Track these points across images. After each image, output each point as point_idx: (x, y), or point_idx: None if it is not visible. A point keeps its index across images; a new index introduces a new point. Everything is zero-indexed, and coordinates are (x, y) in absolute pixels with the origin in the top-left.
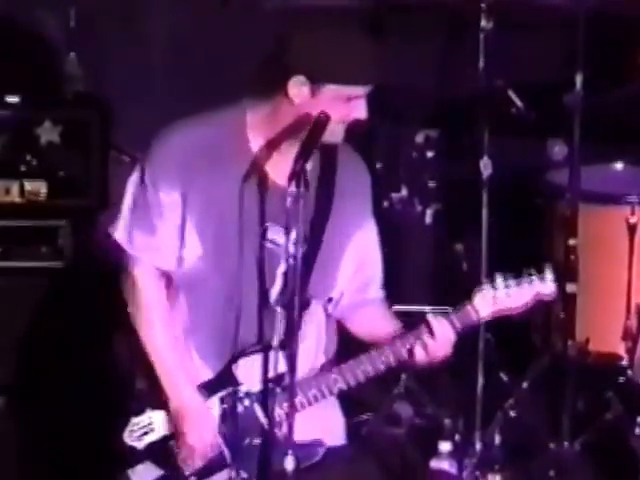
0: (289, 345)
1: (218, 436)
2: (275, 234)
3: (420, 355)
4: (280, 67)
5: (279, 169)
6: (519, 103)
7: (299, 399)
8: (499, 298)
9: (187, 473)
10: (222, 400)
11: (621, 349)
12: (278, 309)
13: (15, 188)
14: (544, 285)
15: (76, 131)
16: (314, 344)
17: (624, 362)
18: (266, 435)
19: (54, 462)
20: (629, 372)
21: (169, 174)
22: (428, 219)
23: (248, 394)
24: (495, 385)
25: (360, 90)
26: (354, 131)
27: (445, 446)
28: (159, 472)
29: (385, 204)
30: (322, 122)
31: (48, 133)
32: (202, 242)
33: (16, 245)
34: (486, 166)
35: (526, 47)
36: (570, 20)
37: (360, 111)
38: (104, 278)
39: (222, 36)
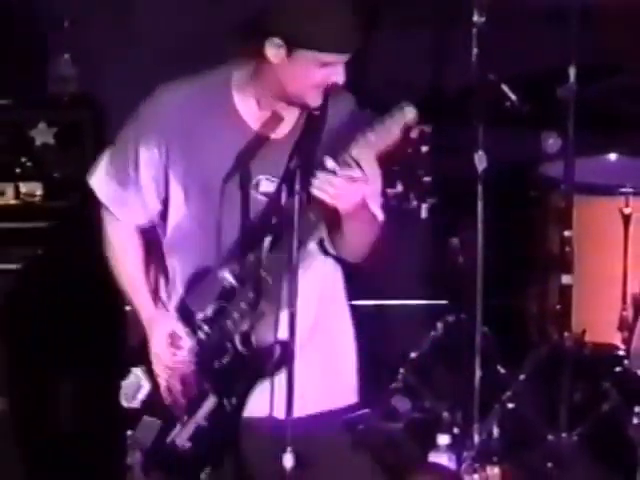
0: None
1: (194, 367)
2: (267, 187)
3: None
4: (260, 28)
5: None
6: (513, 96)
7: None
8: (371, 141)
9: (178, 414)
10: (192, 331)
11: (617, 339)
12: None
13: (10, 190)
14: (404, 113)
15: (71, 132)
16: (314, 293)
17: (621, 352)
18: (233, 354)
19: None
20: (626, 362)
21: (153, 130)
22: (424, 214)
23: (205, 320)
24: (492, 378)
25: (335, 57)
26: None
27: (443, 439)
28: (157, 422)
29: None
30: (316, 120)
31: (43, 135)
32: (186, 200)
33: (12, 247)
34: (481, 160)
35: (519, 39)
36: (564, 11)
37: (337, 76)
38: (100, 279)
39: (217, 33)
